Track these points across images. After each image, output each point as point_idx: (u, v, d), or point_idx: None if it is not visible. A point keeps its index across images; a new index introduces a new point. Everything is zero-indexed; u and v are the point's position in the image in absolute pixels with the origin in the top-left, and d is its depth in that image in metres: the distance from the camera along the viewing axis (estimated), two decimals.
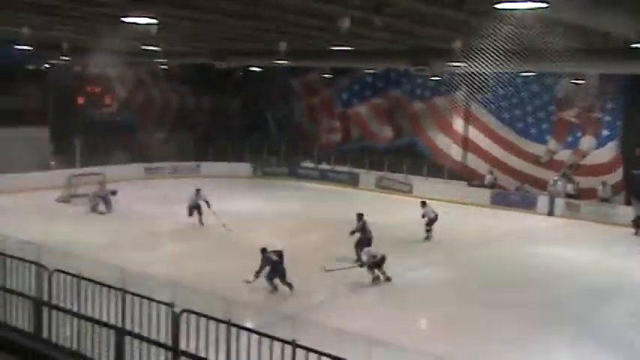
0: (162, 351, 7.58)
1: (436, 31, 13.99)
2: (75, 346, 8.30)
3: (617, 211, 22.43)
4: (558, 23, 10.25)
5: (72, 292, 8.59)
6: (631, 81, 22.18)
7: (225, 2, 11.79)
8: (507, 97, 25.16)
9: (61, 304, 8.57)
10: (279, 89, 32.91)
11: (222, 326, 7.53)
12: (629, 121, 23.49)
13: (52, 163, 26.37)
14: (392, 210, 23.15)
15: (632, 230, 20.76)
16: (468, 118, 27.24)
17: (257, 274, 13.20)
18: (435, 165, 27.08)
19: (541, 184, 24.71)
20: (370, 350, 6.45)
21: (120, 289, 8.26)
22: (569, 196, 23.75)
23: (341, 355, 6.64)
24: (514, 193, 25.14)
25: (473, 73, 18.67)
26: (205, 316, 7.63)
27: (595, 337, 11.60)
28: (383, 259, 14.40)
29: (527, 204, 24.31)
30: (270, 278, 13.21)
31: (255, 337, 7.34)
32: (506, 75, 21.58)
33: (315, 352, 6.79)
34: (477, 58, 13.13)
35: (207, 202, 19.20)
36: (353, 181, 28.61)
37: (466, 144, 27.35)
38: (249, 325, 7.84)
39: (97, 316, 8.25)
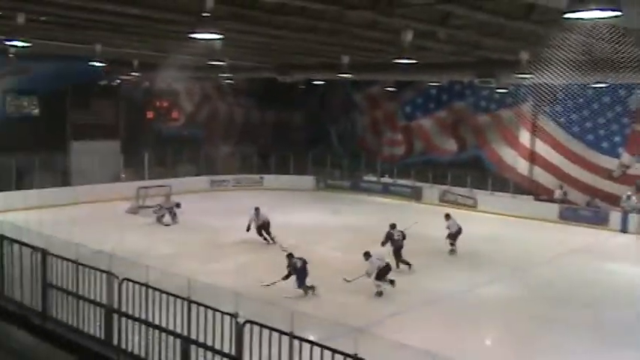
0: None
1: (502, 42, 13.76)
2: (143, 354, 8.52)
3: None
4: (631, 32, 9.89)
5: (140, 300, 8.81)
6: None
7: (290, 17, 11.97)
8: (577, 109, 24.40)
9: (130, 312, 8.80)
10: (342, 102, 33.05)
11: (285, 338, 7.55)
12: None
13: (123, 175, 27.32)
14: None
15: None
16: (535, 130, 26.52)
17: (284, 278, 13.56)
18: (500, 179, 26.48)
19: (613, 199, 23.73)
20: None
21: (185, 299, 8.42)
22: None
23: None
24: (584, 208, 24.24)
25: (540, 84, 18.25)
26: (268, 327, 7.67)
27: None
28: (388, 267, 14.07)
29: (598, 220, 23.37)
30: (299, 285, 13.59)
31: (317, 349, 7.34)
32: (575, 86, 20.95)
33: None
34: (544, 69, 12.82)
35: (267, 223, 18.70)
36: (416, 195, 28.30)
37: (533, 157, 26.63)
38: (311, 337, 7.83)
39: (163, 325, 8.43)
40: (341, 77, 19.99)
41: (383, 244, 16.09)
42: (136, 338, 8.63)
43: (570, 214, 24.17)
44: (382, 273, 13.93)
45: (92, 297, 9.26)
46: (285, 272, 13.71)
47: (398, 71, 20.11)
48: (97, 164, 25.42)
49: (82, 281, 9.44)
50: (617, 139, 24.49)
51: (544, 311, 13.48)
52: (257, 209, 18.90)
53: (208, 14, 8.81)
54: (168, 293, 8.54)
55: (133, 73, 24.81)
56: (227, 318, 7.96)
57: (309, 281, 13.78)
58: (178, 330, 8.32)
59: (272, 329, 7.63)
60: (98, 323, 9.09)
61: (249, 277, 14.83)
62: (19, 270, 10.06)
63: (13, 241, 10.28)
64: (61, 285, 9.61)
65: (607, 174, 24.47)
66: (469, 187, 26.66)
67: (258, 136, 33.00)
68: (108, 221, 21.16)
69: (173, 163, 28.70)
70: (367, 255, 13.96)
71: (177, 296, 8.47)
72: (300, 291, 13.64)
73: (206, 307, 8.19)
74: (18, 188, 23.34)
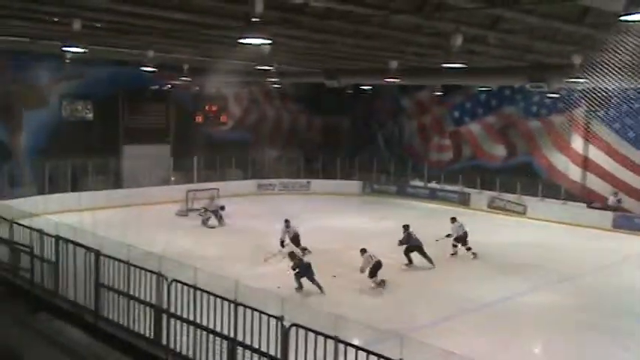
0: None
1: (555, 46, 13.47)
2: (191, 354, 8.65)
3: None
4: None
5: (188, 301, 8.95)
6: None
7: (338, 22, 12.00)
8: (633, 113, 23.65)
9: (179, 313, 8.95)
10: (389, 107, 32.89)
11: (330, 342, 7.55)
12: None
13: (173, 178, 27.86)
14: (504, 231, 22.39)
15: None
16: (588, 136, 25.81)
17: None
18: (550, 185, 25.88)
19: None
20: None
21: (232, 301, 8.51)
22: None
23: None
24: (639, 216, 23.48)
25: (594, 89, 17.79)
26: (313, 331, 7.69)
27: None
28: (379, 264, 14.48)
29: None
30: (298, 277, 14.32)
31: (362, 354, 7.31)
32: (631, 90, 20.33)
33: None
34: (598, 73, 12.50)
35: (297, 235, 17.90)
36: (463, 201, 27.91)
37: (586, 164, 25.89)
38: (356, 341, 7.81)
39: (211, 326, 8.54)
40: (389, 82, 19.92)
41: (401, 243, 16.87)
42: (184, 338, 8.77)
43: (624, 222, 23.40)
44: (374, 269, 14.55)
45: (142, 297, 9.44)
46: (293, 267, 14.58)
47: (446, 76, 19.94)
48: (147, 167, 26.01)
49: (132, 282, 9.64)
50: None
51: (594, 322, 13.09)
52: (287, 221, 18.33)
53: (257, 19, 8.90)
54: (215, 295, 8.64)
55: (183, 78, 25.28)
56: (273, 321, 8.02)
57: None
58: (225, 331, 8.42)
59: (317, 333, 7.64)
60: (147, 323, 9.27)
61: (292, 281, 14.88)
62: (73, 270, 10.35)
63: (68, 241, 10.58)
64: (112, 285, 9.85)
65: None
66: (518, 194, 26.14)
67: (305, 140, 33.17)
68: (158, 223, 21.59)
69: (221, 166, 29.10)
70: (363, 251, 14.80)
71: (225, 298, 8.56)
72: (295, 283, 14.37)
73: (252, 309, 8.26)
74: (73, 190, 24.08)
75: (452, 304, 13.80)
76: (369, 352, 7.22)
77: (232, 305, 8.48)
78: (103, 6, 11.33)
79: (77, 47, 13.36)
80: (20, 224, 12.03)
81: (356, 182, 30.68)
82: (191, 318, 8.77)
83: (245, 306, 8.36)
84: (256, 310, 8.24)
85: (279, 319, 7.91)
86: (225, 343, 8.26)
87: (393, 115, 33.09)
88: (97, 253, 9.98)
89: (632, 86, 17.71)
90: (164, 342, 8.98)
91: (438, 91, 28.58)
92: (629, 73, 12.00)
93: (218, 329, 8.46)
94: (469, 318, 13.32)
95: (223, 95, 29.93)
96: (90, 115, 26.53)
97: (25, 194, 22.07)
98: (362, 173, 30.84)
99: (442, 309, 13.51)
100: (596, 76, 12.95)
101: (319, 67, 22.50)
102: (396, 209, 26.72)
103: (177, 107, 29.14)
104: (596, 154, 25.61)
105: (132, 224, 20.52)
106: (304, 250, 16.86)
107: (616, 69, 12.05)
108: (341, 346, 7.48)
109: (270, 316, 8.03)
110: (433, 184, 29.61)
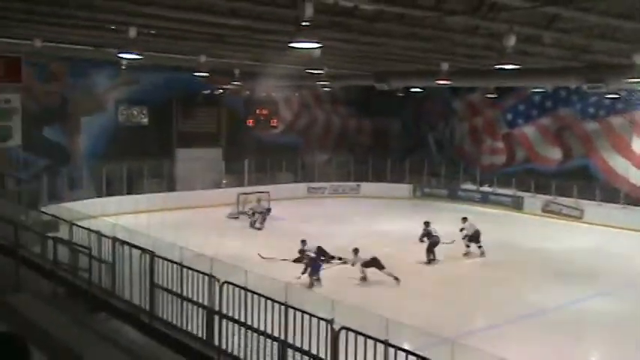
0: None
1: (614, 45, 13.03)
2: (242, 355, 8.72)
3: None
4: None
5: (239, 302, 9.04)
6: None
7: (389, 24, 11.92)
8: None
9: (230, 314, 9.05)
10: (440, 110, 32.51)
11: (380, 346, 7.50)
12: None
13: (224, 181, 28.26)
14: (560, 237, 21.81)
15: None
16: None
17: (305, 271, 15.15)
18: (609, 189, 25.04)
19: None
20: None
21: (282, 303, 8.55)
22: None
23: None
24: None
25: None
26: (363, 334, 7.65)
27: None
28: (374, 260, 15.29)
29: None
30: (311, 274, 15.09)
31: (412, 358, 7.23)
32: None
33: None
34: None
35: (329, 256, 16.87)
36: (517, 205, 27.33)
37: None
38: (406, 346, 7.73)
39: (261, 327, 8.61)
40: (440, 84, 19.70)
41: (421, 240, 17.82)
42: (235, 339, 8.86)
43: None
44: (368, 264, 15.51)
45: (195, 298, 9.59)
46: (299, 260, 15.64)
47: (499, 77, 19.56)
48: (200, 171, 26.48)
49: (185, 283, 9.81)
50: None
51: None
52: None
53: (307, 23, 8.93)
54: (266, 297, 8.71)
55: (235, 82, 25.63)
56: (323, 323, 8.02)
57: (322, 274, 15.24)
58: (275, 333, 8.47)
59: (367, 337, 7.59)
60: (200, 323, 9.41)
61: (344, 284, 14.88)
62: (129, 270, 10.60)
63: (124, 243, 10.85)
64: (166, 286, 10.04)
65: None
66: (575, 198, 25.41)
67: (355, 143, 33.13)
68: (210, 226, 21.95)
69: (272, 170, 29.37)
70: (356, 251, 15.70)
71: (275, 300, 8.61)
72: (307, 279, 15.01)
73: (302, 312, 8.28)
74: (129, 193, 24.72)
75: (506, 310, 13.54)
76: (419, 357, 7.13)
77: (282, 307, 8.52)
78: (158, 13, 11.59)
79: (133, 54, 13.71)
80: (79, 226, 12.42)
81: (406, 185, 30.45)
82: (242, 319, 8.86)
83: (295, 308, 8.39)
84: (306, 312, 8.25)
85: (329, 321, 7.90)
86: (275, 344, 8.31)
87: (444, 117, 32.69)
88: (152, 255, 10.19)
89: None
90: (216, 342, 9.09)
91: (490, 93, 28.05)
92: None
93: (269, 331, 8.52)
94: (523, 324, 13.04)
95: (274, 99, 30.19)
96: (145, 120, 27.20)
97: (84, 197, 22.79)
98: (412, 176, 30.58)
99: (496, 315, 13.27)
100: None
101: (369, 70, 22.44)
102: (447, 213, 26.36)
103: (229, 111, 29.55)
104: None
105: (184, 226, 20.92)
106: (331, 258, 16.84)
107: None
108: (391, 350, 7.42)
109: (320, 318, 8.03)
110: (485, 188, 29.11)
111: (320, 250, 16.06)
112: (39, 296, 10.27)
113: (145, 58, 14.95)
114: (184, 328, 9.60)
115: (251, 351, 8.61)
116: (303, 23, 8.95)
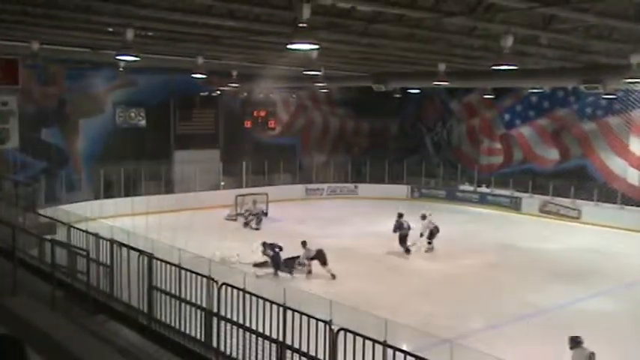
0: None
1: (611, 46, 13.07)
2: (240, 357, 8.72)
3: None
4: None
5: (238, 304, 9.04)
6: None
7: (387, 26, 11.94)
8: None
9: (228, 316, 9.04)
10: (438, 111, 32.55)
11: (379, 347, 7.49)
12: None
13: (222, 183, 28.24)
14: (557, 237, 21.83)
15: None
16: None
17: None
18: (606, 189, 25.10)
19: None
20: None
21: (281, 305, 8.55)
22: None
23: None
24: None
25: None
26: (362, 335, 7.65)
27: None
28: (319, 254, 15.95)
29: None
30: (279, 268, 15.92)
31: (411, 359, 7.23)
32: None
33: None
34: None
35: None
36: (514, 206, 27.36)
37: None
38: (404, 347, 7.73)
39: (260, 329, 8.60)
40: (437, 85, 19.72)
41: (394, 231, 18.50)
42: (234, 341, 8.85)
43: None
44: (312, 257, 16.16)
45: (193, 300, 9.59)
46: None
47: (497, 78, 19.59)
48: (197, 172, 26.46)
49: (183, 285, 9.80)
50: None
51: None
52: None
53: (304, 25, 8.93)
54: (264, 299, 8.70)
55: (232, 84, 25.62)
56: (321, 325, 8.01)
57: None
58: (274, 335, 8.46)
59: (365, 338, 7.59)
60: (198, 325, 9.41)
61: (342, 285, 14.87)
62: (127, 272, 10.59)
63: (122, 245, 10.83)
64: (164, 288, 10.02)
65: None
66: (572, 198, 25.45)
67: (352, 144, 33.14)
68: (208, 228, 21.91)
69: (270, 171, 29.36)
70: (304, 244, 16.24)
71: (273, 302, 8.61)
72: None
73: (301, 313, 8.28)
74: (126, 195, 24.68)
75: (504, 310, 13.53)
76: (418, 358, 7.13)
77: (281, 309, 8.52)
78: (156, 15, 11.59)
79: (130, 56, 13.70)
80: (77, 228, 12.40)
81: (404, 186, 30.46)
82: (240, 321, 8.85)
83: (293, 310, 8.39)
84: (305, 314, 8.25)
85: (328, 323, 7.90)
86: (273, 346, 8.30)
87: (441, 118, 32.73)
88: (150, 257, 10.18)
89: None
90: (214, 344, 9.08)
91: (487, 94, 28.09)
92: None
93: (267, 333, 8.52)
94: (522, 325, 13.04)
95: (271, 100, 30.19)
96: (143, 122, 27.15)
97: (82, 199, 22.75)
98: (410, 177, 30.61)
99: (494, 315, 13.27)
100: None
101: (367, 71, 22.46)
102: (444, 214, 26.37)
103: (227, 113, 29.52)
104: None
105: (182, 228, 20.87)
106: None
107: None
108: (390, 351, 7.42)
109: (318, 320, 8.03)
110: (483, 189, 29.14)
111: (320, 253, 16.13)
112: (37, 299, 10.25)
113: (143, 60, 14.91)
114: (183, 330, 9.59)
115: (250, 353, 8.60)
116: (301, 25, 8.95)
